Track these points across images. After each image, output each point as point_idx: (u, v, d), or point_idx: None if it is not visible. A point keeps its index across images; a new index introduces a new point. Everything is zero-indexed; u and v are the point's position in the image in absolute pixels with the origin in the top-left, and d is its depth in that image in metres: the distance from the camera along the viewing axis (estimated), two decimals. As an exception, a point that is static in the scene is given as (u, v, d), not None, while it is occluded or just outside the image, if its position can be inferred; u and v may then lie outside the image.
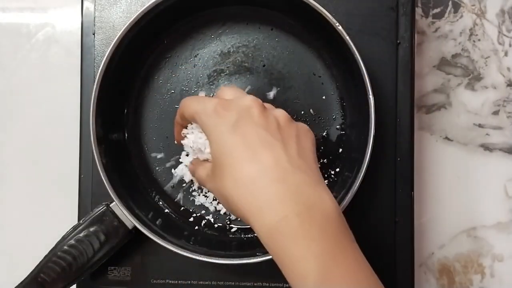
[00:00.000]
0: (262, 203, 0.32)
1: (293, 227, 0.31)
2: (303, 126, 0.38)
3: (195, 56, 0.48)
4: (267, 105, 0.37)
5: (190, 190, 0.47)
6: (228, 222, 0.47)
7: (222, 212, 0.47)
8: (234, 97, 0.38)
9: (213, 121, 0.35)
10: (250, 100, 0.36)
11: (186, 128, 0.42)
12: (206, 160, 0.40)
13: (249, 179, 0.33)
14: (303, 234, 0.31)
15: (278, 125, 0.35)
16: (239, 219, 0.47)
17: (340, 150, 0.46)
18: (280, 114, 0.36)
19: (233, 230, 0.47)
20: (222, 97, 0.38)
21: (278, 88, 0.47)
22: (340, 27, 0.41)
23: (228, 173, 0.34)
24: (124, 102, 0.47)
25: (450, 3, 0.52)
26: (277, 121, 0.36)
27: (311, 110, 0.46)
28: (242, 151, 0.34)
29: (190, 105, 0.38)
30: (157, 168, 0.47)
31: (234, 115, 0.35)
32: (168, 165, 0.47)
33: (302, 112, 0.46)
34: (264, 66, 0.47)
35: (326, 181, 0.46)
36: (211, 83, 0.47)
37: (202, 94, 0.47)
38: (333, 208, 0.32)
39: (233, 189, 0.33)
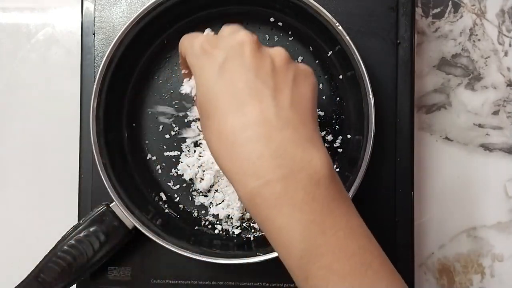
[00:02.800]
0: (244, 165, 0.29)
1: (275, 193, 0.28)
2: (304, 69, 0.33)
3: (195, 56, 0.47)
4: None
5: (190, 190, 0.47)
6: (229, 223, 0.47)
7: (222, 213, 0.47)
8: (228, 33, 0.33)
9: (200, 62, 0.32)
10: (243, 35, 0.31)
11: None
12: None
13: (232, 134, 0.29)
14: (287, 201, 0.28)
15: (273, 67, 0.31)
16: (238, 219, 0.47)
17: (340, 150, 0.46)
18: (277, 53, 0.32)
19: (233, 230, 0.47)
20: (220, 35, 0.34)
21: (278, 88, 0.47)
22: (340, 27, 0.41)
23: (212, 124, 0.30)
24: (124, 102, 0.47)
25: (450, 3, 0.52)
26: (272, 62, 0.31)
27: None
28: (227, 100, 0.30)
29: (182, 42, 0.35)
30: (157, 168, 0.47)
31: (222, 54, 0.31)
32: (168, 165, 0.47)
33: (302, 112, 0.46)
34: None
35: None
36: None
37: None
38: (324, 170, 0.29)
39: (217, 143, 0.30)
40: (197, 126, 0.47)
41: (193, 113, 0.47)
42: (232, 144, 0.29)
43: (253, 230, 0.47)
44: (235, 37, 0.31)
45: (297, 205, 0.28)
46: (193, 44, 0.32)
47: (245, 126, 0.29)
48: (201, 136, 0.47)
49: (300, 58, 0.47)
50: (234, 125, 0.29)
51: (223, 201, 0.47)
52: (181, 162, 0.47)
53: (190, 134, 0.47)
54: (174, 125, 0.47)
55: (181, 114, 0.47)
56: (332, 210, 0.28)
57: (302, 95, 0.31)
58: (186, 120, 0.47)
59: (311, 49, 0.47)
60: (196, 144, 0.47)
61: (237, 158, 0.29)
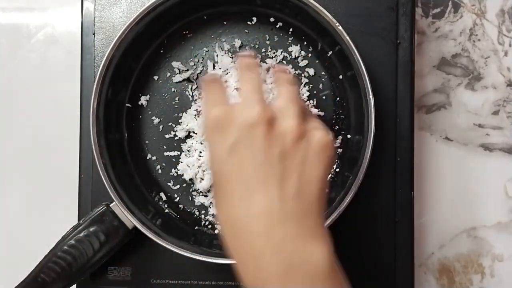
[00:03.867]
0: (247, 256, 0.30)
1: None
2: (318, 141, 0.32)
3: (195, 56, 0.48)
4: (279, 110, 0.32)
5: (190, 190, 0.47)
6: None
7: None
8: (244, 99, 0.33)
9: (213, 136, 0.32)
10: (257, 115, 0.31)
11: None
12: None
13: (239, 222, 0.30)
14: None
15: (283, 150, 0.30)
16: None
17: (340, 150, 0.46)
18: (290, 129, 0.31)
19: (233, 230, 0.47)
20: (240, 79, 0.34)
21: (278, 88, 0.47)
22: (340, 27, 0.41)
23: (221, 203, 0.32)
24: (124, 102, 0.47)
25: (450, 3, 0.52)
26: (282, 143, 0.31)
27: (311, 110, 0.46)
28: (236, 184, 0.30)
29: (203, 99, 0.35)
30: (157, 168, 0.47)
31: (234, 133, 0.31)
32: (168, 165, 0.47)
33: (302, 112, 0.46)
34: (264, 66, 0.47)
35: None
36: (211, 83, 0.47)
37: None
38: (324, 265, 0.29)
39: (225, 225, 0.31)
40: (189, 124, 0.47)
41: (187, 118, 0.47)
42: (238, 231, 0.30)
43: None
44: (248, 116, 0.31)
45: None
46: (209, 117, 0.32)
47: (250, 217, 0.30)
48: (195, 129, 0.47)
49: (300, 58, 0.47)
50: (241, 214, 0.30)
51: (223, 201, 0.47)
52: (181, 162, 0.47)
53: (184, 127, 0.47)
54: (174, 125, 0.47)
55: (180, 114, 0.47)
56: None
57: (309, 180, 0.31)
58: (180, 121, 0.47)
59: (311, 49, 0.47)
60: (189, 136, 0.47)
61: (241, 247, 0.30)
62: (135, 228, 0.43)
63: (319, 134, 0.32)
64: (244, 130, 0.31)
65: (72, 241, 0.43)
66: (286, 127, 0.31)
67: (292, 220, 0.29)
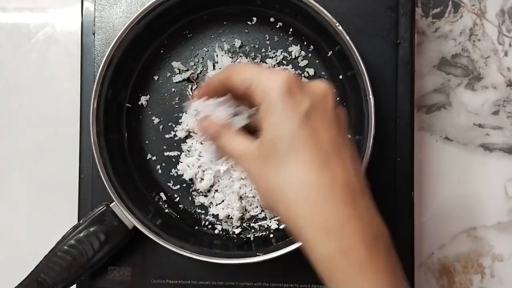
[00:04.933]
0: (328, 223, 0.29)
1: (360, 256, 0.28)
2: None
3: (195, 56, 0.48)
4: None
5: (190, 190, 0.47)
6: (229, 223, 0.47)
7: (222, 213, 0.47)
8: (311, 81, 0.32)
9: (283, 100, 0.30)
10: (326, 86, 0.31)
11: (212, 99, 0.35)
12: (243, 128, 0.34)
13: (315, 190, 0.29)
14: (371, 267, 0.28)
15: (343, 126, 0.32)
16: (238, 219, 0.47)
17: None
18: (342, 109, 0.32)
19: (233, 230, 0.47)
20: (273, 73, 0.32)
21: (278, 88, 0.47)
22: (340, 27, 0.41)
23: (286, 171, 0.30)
24: (124, 102, 0.47)
25: (450, 3, 0.52)
26: (342, 120, 0.32)
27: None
28: (313, 150, 0.29)
29: (247, 72, 0.32)
30: (157, 168, 0.47)
31: (308, 101, 0.30)
32: (168, 165, 0.47)
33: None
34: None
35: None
36: (211, 83, 0.47)
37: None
38: (389, 236, 0.30)
39: (289, 193, 0.30)
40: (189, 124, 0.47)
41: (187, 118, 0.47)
42: (316, 198, 0.29)
43: (253, 230, 0.47)
44: (319, 85, 0.31)
45: (379, 270, 0.28)
46: (278, 80, 0.30)
47: (332, 185, 0.29)
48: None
49: (300, 58, 0.47)
50: (321, 181, 0.29)
51: (223, 201, 0.47)
52: (181, 162, 0.47)
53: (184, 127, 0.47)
54: (174, 125, 0.47)
55: (180, 114, 0.47)
56: (398, 272, 0.30)
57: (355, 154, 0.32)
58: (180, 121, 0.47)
59: (311, 49, 0.47)
60: (189, 136, 0.47)
61: (320, 215, 0.29)
62: (135, 228, 0.43)
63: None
64: (318, 99, 0.30)
65: (72, 241, 0.43)
66: (339, 106, 0.32)
67: (366, 193, 0.30)
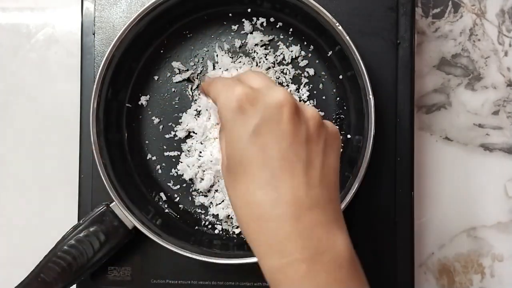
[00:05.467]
0: (270, 240, 0.29)
1: (300, 273, 0.28)
2: (332, 130, 0.32)
3: (195, 56, 0.48)
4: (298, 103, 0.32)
5: (190, 190, 0.47)
6: (229, 223, 0.47)
7: (222, 213, 0.47)
8: (262, 86, 0.32)
9: (233, 118, 0.30)
10: (283, 96, 0.30)
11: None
12: None
13: (261, 207, 0.29)
14: (310, 282, 0.28)
15: (307, 135, 0.30)
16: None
17: (340, 150, 0.46)
18: (312, 116, 0.31)
19: (233, 230, 0.47)
20: (247, 83, 0.33)
21: (278, 88, 0.47)
22: (340, 27, 0.41)
23: (240, 189, 0.30)
24: (124, 102, 0.47)
25: (450, 3, 0.52)
26: (307, 128, 0.30)
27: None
28: (258, 168, 0.30)
29: (215, 87, 0.33)
30: (157, 168, 0.47)
31: (258, 115, 0.30)
32: (168, 165, 0.47)
33: (302, 112, 0.46)
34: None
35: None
36: (211, 83, 0.47)
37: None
38: (346, 253, 0.29)
39: (243, 211, 0.30)
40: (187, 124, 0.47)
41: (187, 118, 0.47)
42: (259, 217, 0.30)
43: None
44: (274, 96, 0.30)
45: (320, 286, 0.28)
46: (229, 97, 0.31)
47: (275, 203, 0.29)
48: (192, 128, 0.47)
49: (300, 58, 0.47)
50: (264, 200, 0.29)
51: (223, 201, 0.47)
52: (181, 162, 0.47)
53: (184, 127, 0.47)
54: (174, 125, 0.47)
55: (180, 114, 0.47)
56: (358, 285, 0.30)
57: (330, 167, 0.31)
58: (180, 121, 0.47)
59: (311, 49, 0.47)
60: (189, 136, 0.47)
61: (263, 232, 0.29)
62: (135, 228, 0.43)
63: (331, 124, 0.33)
64: (270, 111, 0.30)
65: (72, 241, 0.43)
66: (311, 113, 0.31)
67: (318, 207, 0.30)
